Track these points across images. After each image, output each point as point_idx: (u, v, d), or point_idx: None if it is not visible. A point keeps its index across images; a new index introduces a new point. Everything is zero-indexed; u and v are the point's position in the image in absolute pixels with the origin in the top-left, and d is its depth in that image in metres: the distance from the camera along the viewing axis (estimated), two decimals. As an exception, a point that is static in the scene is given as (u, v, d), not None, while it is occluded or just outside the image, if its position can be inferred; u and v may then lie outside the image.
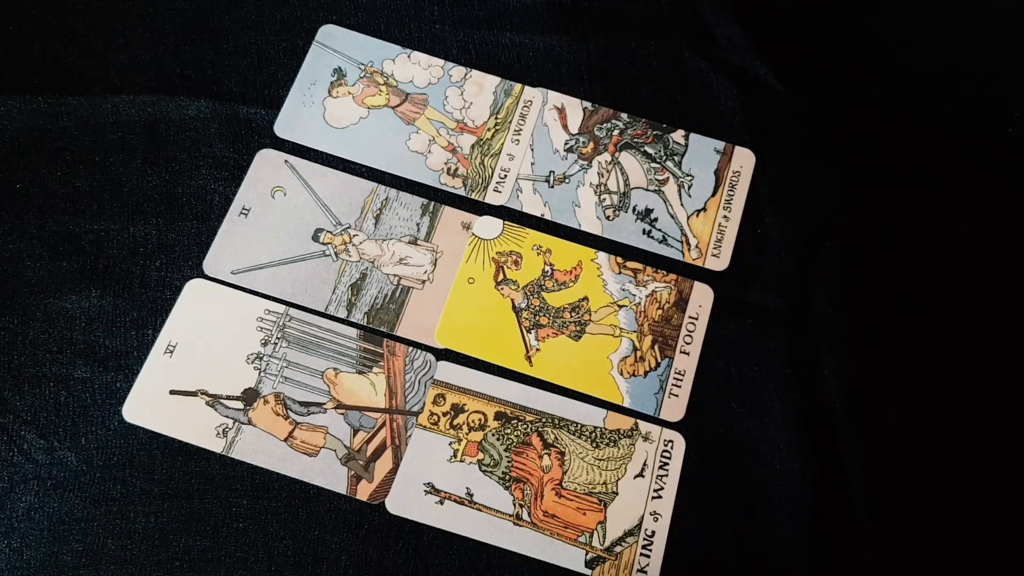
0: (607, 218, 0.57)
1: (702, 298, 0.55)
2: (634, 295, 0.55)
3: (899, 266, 0.56)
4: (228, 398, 0.52)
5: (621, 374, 0.53)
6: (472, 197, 0.57)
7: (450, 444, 0.52)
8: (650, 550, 0.50)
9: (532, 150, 0.58)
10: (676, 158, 0.58)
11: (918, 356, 0.55)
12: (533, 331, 0.54)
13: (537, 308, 0.55)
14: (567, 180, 0.58)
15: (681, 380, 0.53)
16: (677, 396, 0.53)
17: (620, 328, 0.54)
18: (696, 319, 0.55)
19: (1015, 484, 0.52)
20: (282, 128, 0.58)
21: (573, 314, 0.55)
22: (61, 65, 0.59)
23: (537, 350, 0.54)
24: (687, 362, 0.54)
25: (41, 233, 0.55)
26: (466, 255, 0.56)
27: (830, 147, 0.59)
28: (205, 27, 0.60)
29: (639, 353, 0.54)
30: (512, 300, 0.55)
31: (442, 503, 0.51)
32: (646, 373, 0.53)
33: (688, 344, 0.54)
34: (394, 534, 0.51)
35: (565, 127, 0.59)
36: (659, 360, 0.54)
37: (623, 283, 0.55)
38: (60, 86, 0.58)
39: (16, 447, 0.51)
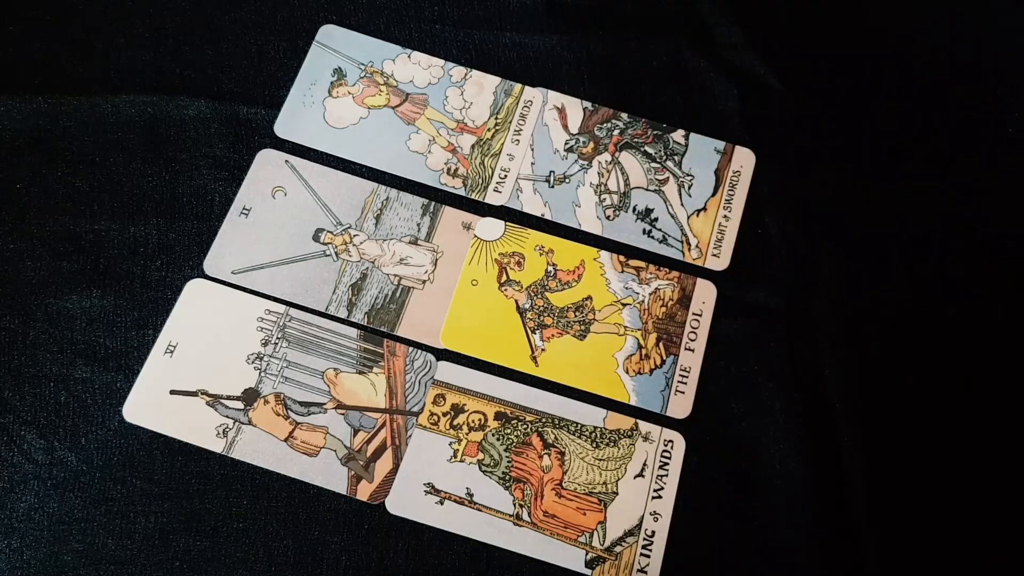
0: (607, 218, 0.57)
1: (705, 294, 0.55)
2: (637, 293, 0.55)
3: (899, 266, 0.56)
4: (228, 398, 0.52)
5: (627, 372, 0.53)
6: (472, 197, 0.57)
7: (450, 444, 0.52)
8: (650, 550, 0.50)
9: (532, 150, 0.58)
10: (676, 158, 0.58)
11: (918, 356, 0.55)
12: (538, 331, 0.54)
13: (541, 308, 0.55)
14: (567, 180, 0.58)
15: (687, 376, 0.53)
16: (683, 393, 0.53)
17: (624, 326, 0.54)
18: (700, 315, 0.55)
19: (1015, 484, 0.52)
20: (282, 128, 0.58)
21: (577, 313, 0.55)
22: (61, 65, 0.59)
23: (542, 350, 0.54)
24: (692, 359, 0.54)
25: (41, 233, 0.55)
26: (468, 257, 0.56)
27: (830, 147, 0.59)
28: (205, 27, 0.60)
29: (644, 351, 0.54)
30: (516, 301, 0.55)
31: (442, 503, 0.51)
32: (652, 371, 0.53)
33: (692, 341, 0.54)
34: (394, 534, 0.51)
35: (565, 127, 0.59)
36: (664, 357, 0.54)
37: (626, 281, 0.55)
38: (60, 86, 0.58)
39: (16, 447, 0.51)
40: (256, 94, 0.59)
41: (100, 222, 0.55)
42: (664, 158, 0.58)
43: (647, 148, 0.59)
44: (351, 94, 0.59)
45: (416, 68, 0.60)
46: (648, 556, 0.50)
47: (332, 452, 0.52)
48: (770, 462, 0.52)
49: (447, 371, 0.54)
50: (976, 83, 0.61)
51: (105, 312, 0.54)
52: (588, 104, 0.60)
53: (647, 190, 0.58)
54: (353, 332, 0.54)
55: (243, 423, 0.52)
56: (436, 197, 0.57)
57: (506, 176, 0.58)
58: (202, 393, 0.52)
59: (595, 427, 0.53)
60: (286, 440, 0.52)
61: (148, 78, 0.59)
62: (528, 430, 0.52)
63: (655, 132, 0.59)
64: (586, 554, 0.50)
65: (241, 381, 0.53)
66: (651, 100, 0.60)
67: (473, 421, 0.53)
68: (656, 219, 0.57)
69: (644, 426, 0.53)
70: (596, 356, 0.54)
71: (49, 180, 0.56)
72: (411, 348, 0.54)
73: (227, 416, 0.52)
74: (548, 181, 0.58)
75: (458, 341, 0.54)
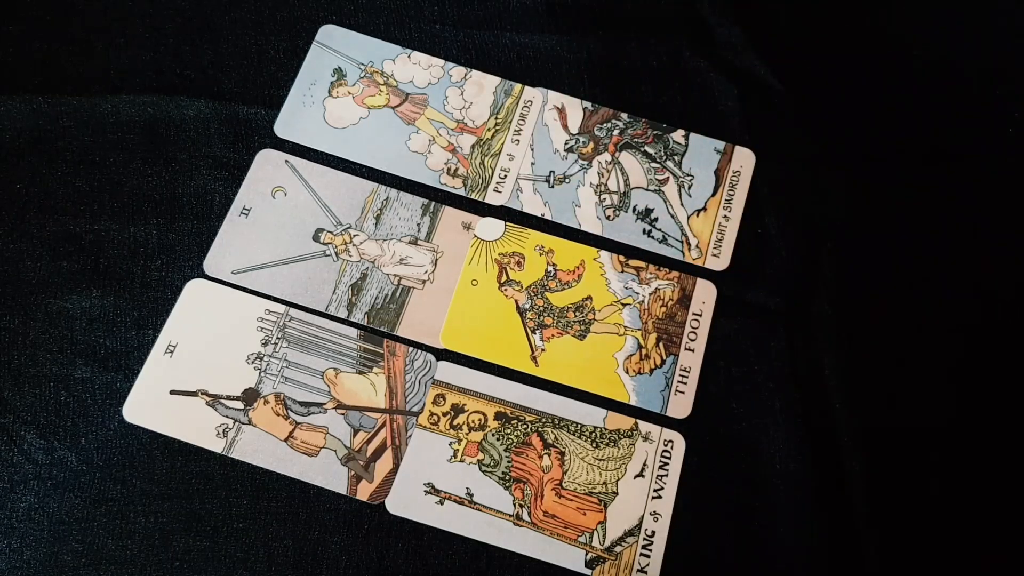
0: (607, 218, 0.57)
1: (705, 295, 0.55)
2: (637, 293, 0.55)
3: (899, 266, 0.56)
4: (228, 398, 0.52)
5: (627, 372, 0.53)
6: (472, 197, 0.57)
7: (450, 444, 0.52)
8: (650, 550, 0.50)
9: (532, 150, 0.58)
10: (676, 158, 0.58)
11: (918, 356, 0.55)
12: (538, 331, 0.54)
13: (541, 308, 0.55)
14: (567, 180, 0.58)
15: (687, 376, 0.53)
16: (683, 393, 0.53)
17: (624, 326, 0.54)
18: (700, 315, 0.55)
19: (1015, 484, 0.52)
20: (282, 128, 0.58)
21: (577, 313, 0.55)
22: (61, 65, 0.59)
23: (542, 350, 0.54)
24: (692, 359, 0.54)
25: (41, 233, 0.55)
26: (468, 257, 0.56)
27: (830, 147, 0.59)
28: (205, 27, 0.60)
29: (644, 351, 0.54)
30: (516, 301, 0.55)
31: (442, 503, 0.51)
32: (652, 371, 0.54)
33: (692, 341, 0.54)
34: (394, 534, 0.51)
35: (565, 127, 0.59)
36: (664, 357, 0.54)
37: (626, 281, 0.55)
38: (60, 86, 0.58)
39: (16, 447, 0.51)
40: (256, 94, 0.59)
41: (100, 222, 0.55)
42: (664, 158, 0.58)
43: (647, 148, 0.59)
44: (351, 94, 0.59)
45: (416, 68, 0.60)
46: (648, 556, 0.50)
47: (332, 452, 0.52)
48: (770, 462, 0.52)
49: (447, 371, 0.54)
50: (976, 83, 0.61)
51: (105, 312, 0.54)
52: (588, 104, 0.60)
53: (647, 190, 0.58)
54: (353, 332, 0.54)
55: (243, 423, 0.52)
56: (436, 197, 0.57)
57: (506, 176, 0.58)
58: (202, 393, 0.52)
59: (595, 427, 0.53)
60: (286, 440, 0.52)
61: (148, 78, 0.59)
62: (528, 430, 0.52)
63: (655, 132, 0.59)
64: (586, 554, 0.50)
65: (241, 381, 0.53)
66: (651, 100, 0.60)
67: (473, 421, 0.53)
68: (656, 219, 0.57)
69: (644, 426, 0.53)
70: (596, 356, 0.54)
71: (49, 180, 0.56)
72: (411, 348, 0.54)
73: (227, 416, 0.52)
74: (548, 181, 0.58)
75: (458, 341, 0.54)
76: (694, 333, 0.54)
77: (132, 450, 0.51)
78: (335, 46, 0.60)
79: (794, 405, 0.53)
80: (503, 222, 0.57)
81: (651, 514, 0.51)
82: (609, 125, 0.59)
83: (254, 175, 0.57)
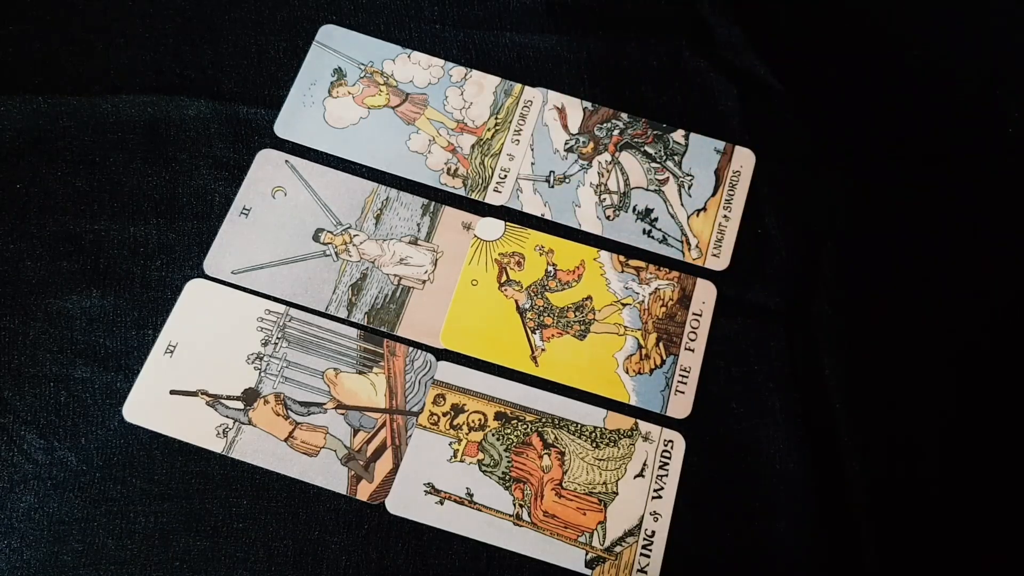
0: (607, 218, 0.57)
1: (705, 295, 0.55)
2: (637, 293, 0.55)
3: (899, 266, 0.56)
4: (228, 398, 0.52)
5: (627, 372, 0.53)
6: (472, 197, 0.57)
7: (450, 444, 0.52)
8: (650, 550, 0.50)
9: (532, 150, 0.58)
10: (676, 158, 0.59)
11: (918, 356, 0.55)
12: (538, 331, 0.54)
13: (541, 308, 0.55)
14: (567, 180, 0.58)
15: (687, 376, 0.53)
16: (683, 393, 0.53)
17: (624, 326, 0.54)
18: (700, 315, 0.55)
19: (1015, 484, 0.52)
20: (282, 128, 0.58)
21: (577, 313, 0.55)
22: (61, 65, 0.59)
23: (542, 350, 0.54)
24: (692, 359, 0.54)
25: (41, 233, 0.55)
26: (468, 257, 0.56)
27: (830, 147, 0.59)
28: (205, 27, 0.60)
29: (644, 351, 0.54)
30: (516, 301, 0.55)
31: (442, 503, 0.51)
32: (652, 371, 0.54)
33: (692, 341, 0.54)
34: (394, 534, 0.51)
35: (565, 127, 0.59)
36: (664, 357, 0.54)
37: (626, 281, 0.55)
38: (60, 86, 0.58)
39: (16, 447, 0.51)
40: (256, 94, 0.59)
41: (100, 222, 0.55)
42: (664, 158, 0.58)
43: (647, 148, 0.59)
44: (351, 94, 0.59)
45: (416, 68, 0.60)
46: (648, 556, 0.50)
47: (332, 452, 0.52)
48: (770, 462, 0.52)
49: (447, 371, 0.54)
50: (976, 83, 0.61)
51: (105, 312, 0.54)
52: (588, 104, 0.60)
53: (647, 190, 0.58)
54: (353, 332, 0.54)
55: (243, 423, 0.52)
56: (436, 197, 0.57)
57: (506, 176, 0.58)
58: (202, 393, 0.52)
59: (595, 427, 0.53)
60: (286, 440, 0.52)
61: (148, 78, 0.59)
62: (528, 430, 0.52)
63: (655, 132, 0.59)
64: (586, 554, 0.50)
65: (241, 381, 0.53)
66: (651, 100, 0.60)
67: (473, 421, 0.53)
68: (656, 219, 0.57)
69: (644, 426, 0.53)
70: (596, 356, 0.54)
71: (49, 180, 0.56)
72: (411, 348, 0.54)
73: (227, 416, 0.52)
74: (548, 181, 0.58)
75: (458, 341, 0.54)
76: (694, 333, 0.54)
77: (132, 450, 0.51)
78: (335, 46, 0.60)
79: (794, 405, 0.53)
80: (503, 222, 0.57)
81: (651, 514, 0.51)
82: (609, 125, 0.59)
83: (254, 175, 0.57)
